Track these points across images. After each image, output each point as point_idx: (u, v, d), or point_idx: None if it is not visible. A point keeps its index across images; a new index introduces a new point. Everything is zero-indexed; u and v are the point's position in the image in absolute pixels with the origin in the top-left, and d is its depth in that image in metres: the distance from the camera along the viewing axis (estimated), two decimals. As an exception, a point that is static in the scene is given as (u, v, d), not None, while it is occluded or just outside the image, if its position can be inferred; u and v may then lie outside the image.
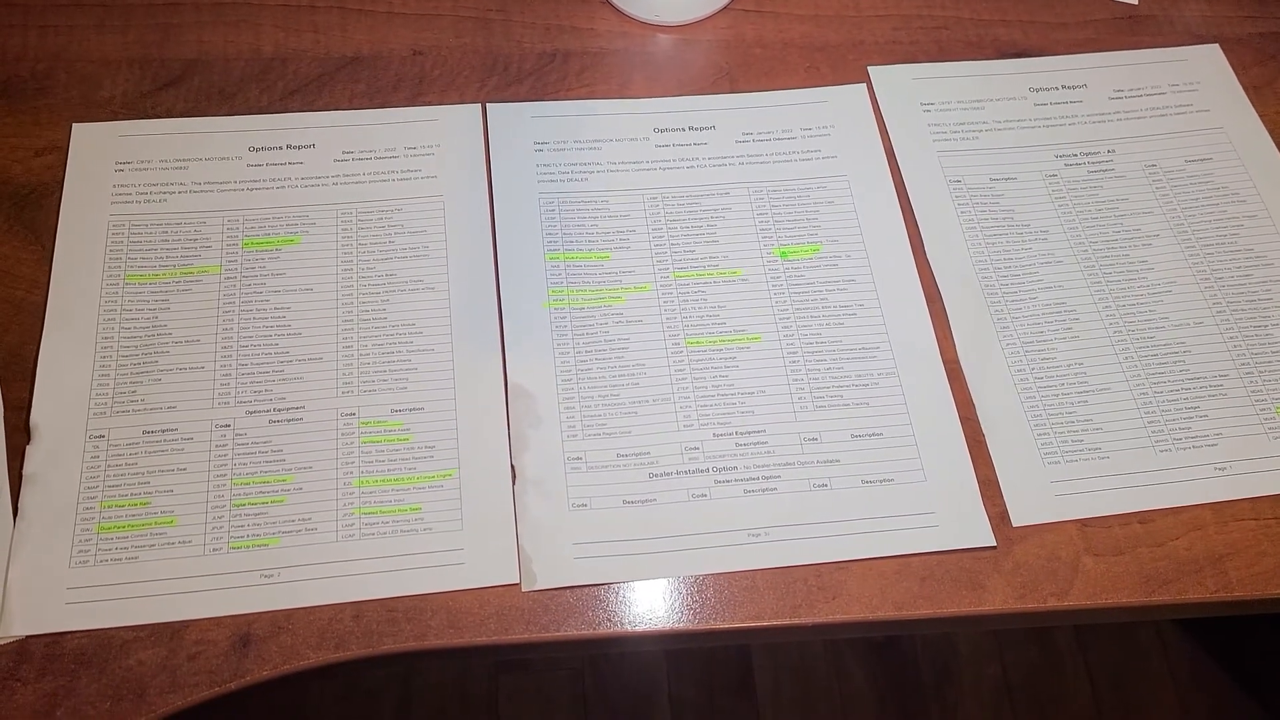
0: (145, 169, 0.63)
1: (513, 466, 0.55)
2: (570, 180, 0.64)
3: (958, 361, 0.59)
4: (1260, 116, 0.69)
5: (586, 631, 0.51)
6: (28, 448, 0.54)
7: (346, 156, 0.64)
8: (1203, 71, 0.70)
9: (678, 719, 1.28)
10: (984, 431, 0.57)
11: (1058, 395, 0.57)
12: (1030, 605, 0.52)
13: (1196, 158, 0.66)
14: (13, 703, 0.48)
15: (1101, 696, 1.32)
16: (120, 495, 0.53)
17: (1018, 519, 0.54)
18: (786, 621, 0.52)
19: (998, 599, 0.52)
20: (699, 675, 1.31)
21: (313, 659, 0.50)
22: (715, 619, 0.52)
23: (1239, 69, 0.71)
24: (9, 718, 0.48)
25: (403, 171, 0.64)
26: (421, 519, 0.54)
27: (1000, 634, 1.36)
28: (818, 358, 0.59)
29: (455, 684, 1.30)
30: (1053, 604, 0.52)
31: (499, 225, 0.62)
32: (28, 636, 0.50)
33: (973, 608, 0.52)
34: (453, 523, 0.53)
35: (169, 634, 0.50)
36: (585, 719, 1.27)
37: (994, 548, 0.54)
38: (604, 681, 1.31)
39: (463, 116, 0.66)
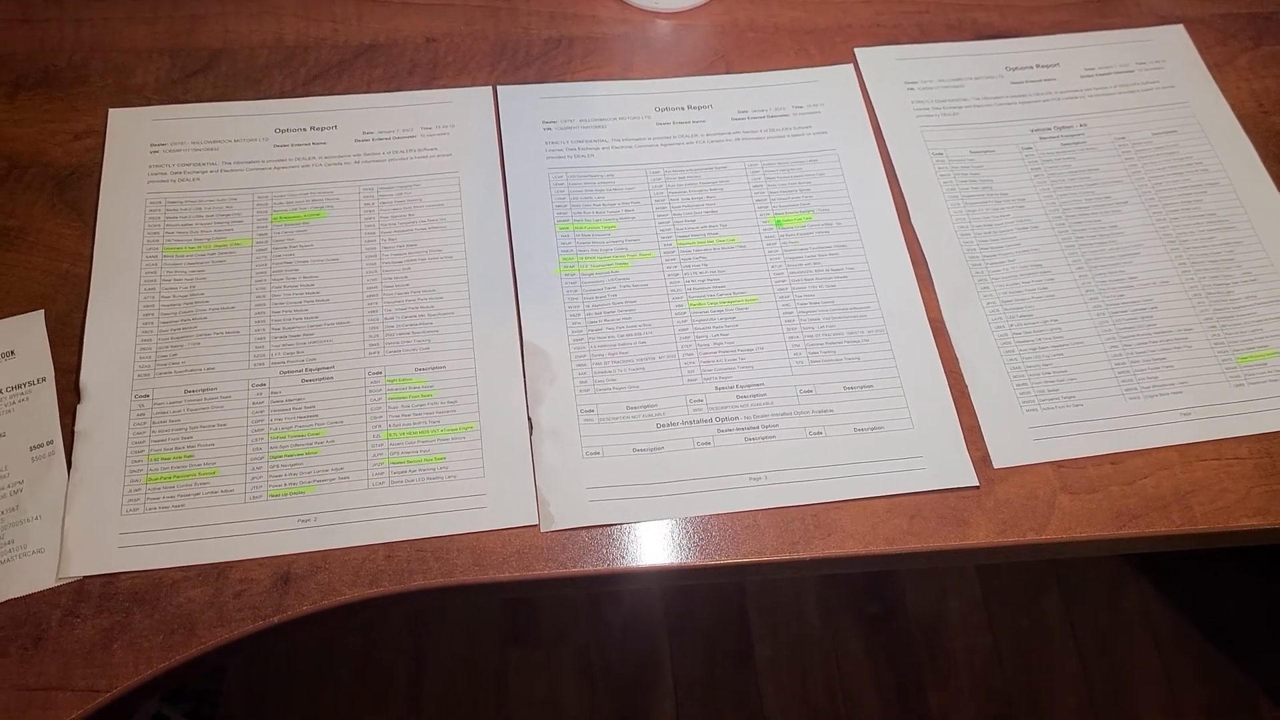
0: (179, 150, 0.67)
1: (530, 419, 0.59)
2: (578, 156, 0.68)
3: (942, 319, 0.63)
4: (1222, 92, 0.73)
5: (601, 567, 0.55)
6: (78, 407, 0.58)
7: (367, 136, 0.68)
8: (1168, 51, 0.75)
9: (680, 688, 1.32)
10: (966, 382, 0.61)
11: (1035, 349, 0.62)
12: (1011, 539, 0.57)
13: (1163, 130, 0.71)
14: (73, 636, 0.52)
15: (1089, 663, 1.36)
16: (165, 449, 0.57)
17: (998, 461, 0.58)
18: (786, 556, 0.56)
19: (981, 534, 0.57)
20: (700, 646, 1.35)
21: (349, 595, 0.54)
22: (720, 555, 0.56)
23: (1202, 48, 0.75)
24: (71, 650, 0.52)
25: (420, 150, 0.68)
26: (446, 467, 0.58)
27: (991, 606, 1.40)
28: (811, 317, 0.63)
29: (465, 659, 1.33)
30: (1031, 538, 0.57)
31: (512, 198, 0.66)
32: (85, 577, 0.54)
33: (958, 542, 0.56)
34: (475, 470, 0.58)
35: (215, 574, 0.54)
36: (591, 690, 1.31)
37: (977, 488, 0.58)
38: (608, 654, 1.35)
39: (475, 98, 0.70)
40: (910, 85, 0.72)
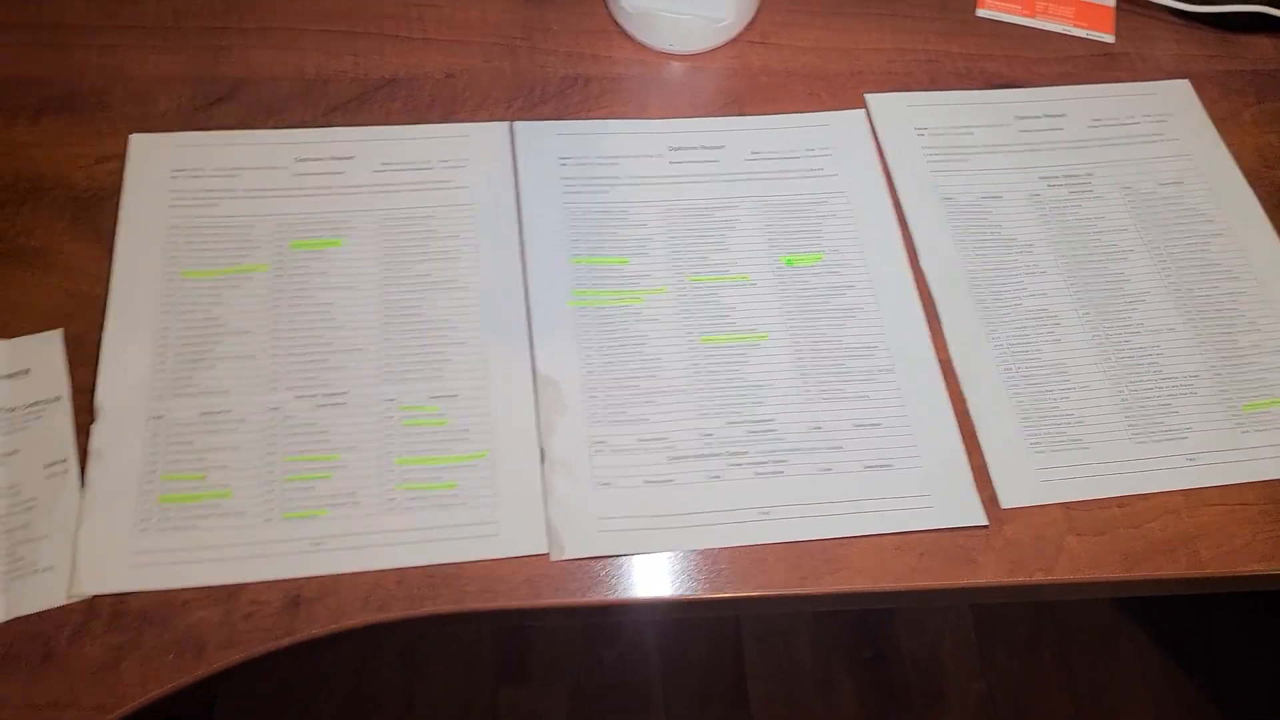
0: (199, 176, 0.68)
1: (541, 448, 0.60)
2: (593, 192, 0.69)
3: (950, 360, 0.64)
4: (1226, 145, 0.75)
5: (611, 597, 0.56)
6: (93, 426, 0.58)
7: (385, 167, 0.69)
8: (1173, 104, 0.76)
9: (673, 730, 1.31)
10: (975, 423, 0.62)
11: (1043, 392, 0.63)
12: (1019, 579, 0.57)
13: (1168, 181, 0.72)
14: (83, 655, 0.52)
15: (1084, 708, 1.36)
16: (179, 469, 0.57)
17: (1006, 501, 0.59)
18: (795, 591, 0.56)
19: (989, 573, 0.57)
20: (693, 686, 1.34)
21: (359, 619, 0.54)
22: (729, 588, 0.56)
23: (1207, 102, 0.77)
24: (80, 668, 0.52)
25: (437, 182, 0.69)
26: (457, 494, 0.58)
27: (985, 650, 1.40)
28: (821, 355, 0.64)
29: (456, 696, 1.32)
30: (1039, 578, 0.57)
31: (527, 231, 0.67)
32: (96, 596, 0.54)
33: (967, 580, 0.57)
34: (486, 498, 0.58)
35: (226, 595, 0.54)
36: (584, 729, 1.30)
37: (985, 527, 0.58)
38: (601, 693, 1.34)
39: (492, 133, 0.71)
40: (920, 131, 0.73)
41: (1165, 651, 1.41)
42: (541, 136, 0.71)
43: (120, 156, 0.68)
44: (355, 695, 1.32)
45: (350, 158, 0.70)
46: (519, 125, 0.72)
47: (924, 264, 0.67)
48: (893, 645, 1.41)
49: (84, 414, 0.59)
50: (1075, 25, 0.80)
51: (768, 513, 0.58)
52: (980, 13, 0.81)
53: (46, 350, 0.60)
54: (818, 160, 0.72)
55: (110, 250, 0.64)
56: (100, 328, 0.61)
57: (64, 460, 0.57)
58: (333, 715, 1.29)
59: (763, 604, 0.56)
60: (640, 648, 1.38)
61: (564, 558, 0.56)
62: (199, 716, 1.28)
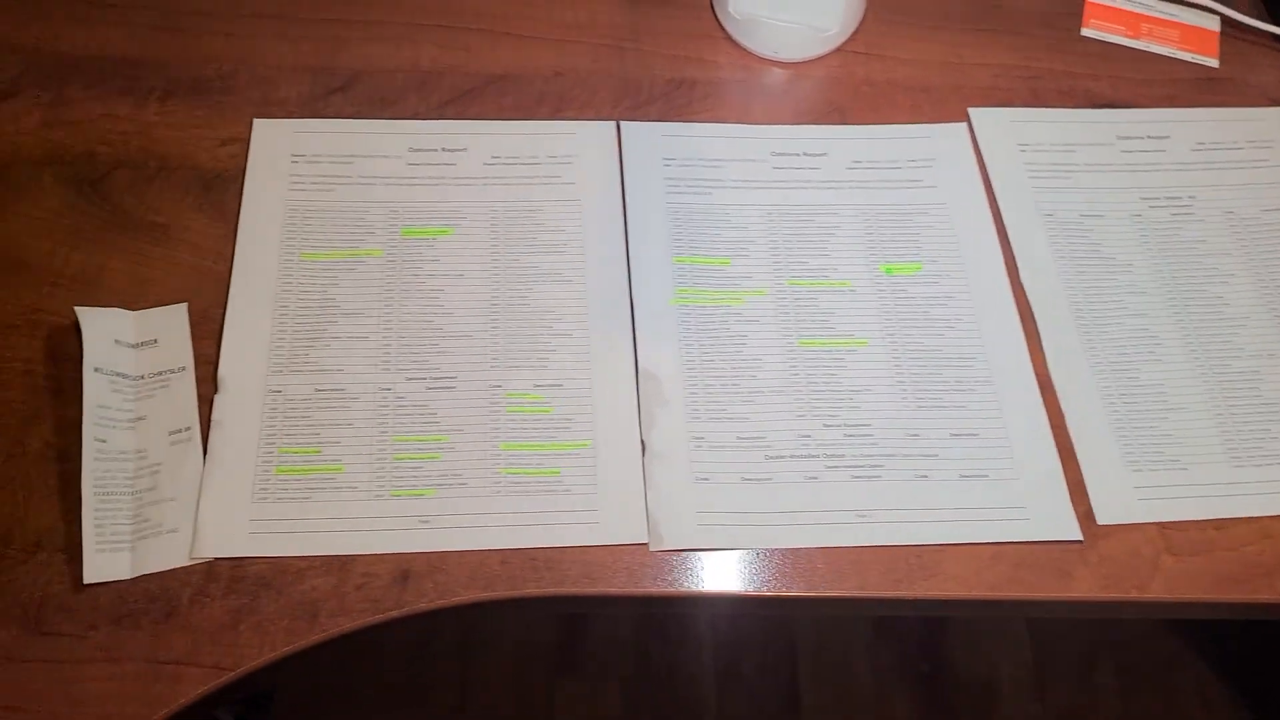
0: (317, 162, 0.70)
1: (642, 441, 0.61)
2: (696, 193, 0.71)
3: (1048, 375, 0.64)
4: (1331, 173, 0.74)
5: (709, 590, 0.57)
6: (215, 397, 0.60)
7: (495, 161, 0.71)
8: (1278, 131, 0.76)
9: (727, 733, 1.31)
10: (1072, 438, 0.62)
11: (1141, 411, 0.63)
12: (1113, 595, 0.57)
13: (1272, 207, 0.72)
14: (204, 614, 0.54)
15: (1141, 740, 1.34)
16: (295, 443, 0.60)
17: (1102, 518, 0.59)
18: (890, 594, 0.57)
19: (1084, 587, 0.57)
20: (747, 692, 1.35)
21: (465, 596, 0.56)
22: (825, 587, 0.57)
23: (1313, 130, 0.77)
24: (201, 627, 0.54)
25: (545, 177, 0.71)
26: (560, 481, 0.59)
27: (1042, 674, 1.39)
28: (919, 363, 0.65)
29: (510, 686, 1.34)
30: (1134, 595, 0.57)
31: (631, 229, 0.69)
32: (216, 559, 0.56)
33: (1060, 593, 0.57)
34: (588, 486, 0.59)
35: (338, 566, 0.56)
36: (638, 726, 1.31)
37: (1080, 542, 0.59)
38: (655, 692, 1.35)
39: (599, 132, 0.73)
40: (1023, 147, 0.73)
41: (1226, 682, 1.39)
42: (647, 137, 0.73)
43: (243, 140, 0.70)
44: (411, 682, 1.34)
45: (462, 150, 0.72)
46: (625, 125, 0.73)
47: (1023, 279, 0.68)
48: (949, 662, 1.41)
49: (206, 385, 0.61)
50: (1179, 48, 0.80)
51: (864, 515, 0.59)
52: (1085, 32, 0.81)
53: (173, 322, 0.62)
54: (919, 171, 0.73)
55: (233, 229, 0.67)
56: (223, 303, 0.64)
57: (188, 428, 0.59)
58: (389, 702, 1.32)
59: (858, 605, 0.57)
60: (694, 648, 1.39)
61: (663, 548, 0.58)
62: (261, 697, 1.31)
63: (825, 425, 0.62)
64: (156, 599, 0.54)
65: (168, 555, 0.55)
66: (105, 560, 0.54)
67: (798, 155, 0.73)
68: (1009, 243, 0.70)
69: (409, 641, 1.35)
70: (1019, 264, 0.69)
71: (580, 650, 1.38)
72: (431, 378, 0.62)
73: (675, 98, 0.75)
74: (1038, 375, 0.64)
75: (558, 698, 1.35)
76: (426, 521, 0.58)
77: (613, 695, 1.36)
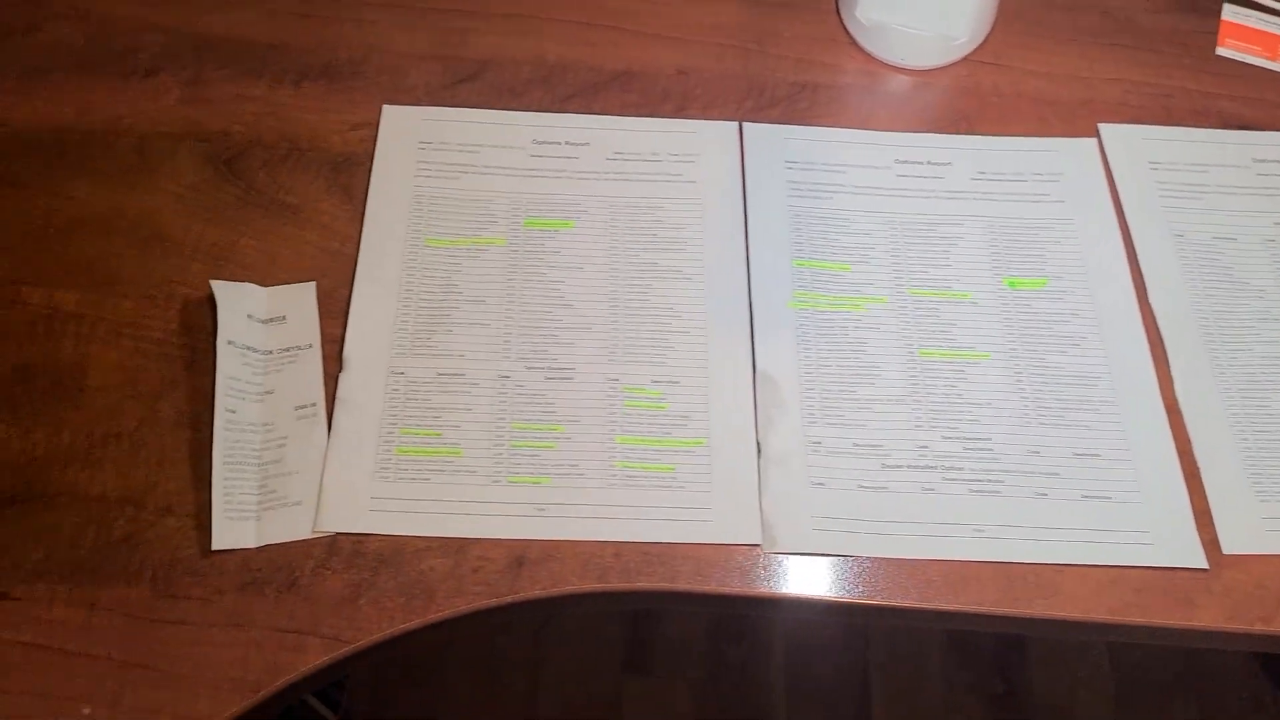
0: (443, 149, 0.71)
1: (758, 442, 0.61)
2: (817, 198, 0.70)
3: (1175, 399, 0.63)
4: None
5: (823, 595, 0.56)
6: (340, 375, 0.62)
7: (617, 156, 0.72)
8: None
9: (798, 742, 1.31)
10: (1199, 464, 0.61)
11: (1272, 440, 0.61)
12: (1238, 627, 0.56)
13: None
14: (325, 586, 0.55)
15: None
16: (416, 425, 0.61)
17: (1228, 547, 0.58)
18: (1007, 611, 0.56)
19: (1207, 617, 0.56)
20: (817, 704, 1.34)
21: (578, 586, 0.56)
22: (940, 600, 0.56)
23: None
24: (322, 599, 0.55)
25: (666, 175, 0.71)
26: (675, 478, 0.60)
27: (1121, 704, 1.36)
28: (1041, 380, 0.64)
29: (581, 680, 1.35)
30: (1260, 628, 0.56)
31: (751, 230, 0.69)
32: (337, 534, 0.57)
33: (1183, 622, 0.56)
34: (703, 485, 0.59)
35: (455, 548, 0.57)
36: (708, 729, 1.31)
37: (1205, 570, 0.57)
38: (724, 697, 1.35)
39: (721, 132, 0.73)
40: (1154, 165, 0.72)
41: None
42: (769, 139, 0.73)
43: (373, 125, 0.72)
44: (484, 671, 1.36)
45: (585, 144, 0.72)
46: (748, 126, 0.73)
47: (1152, 299, 0.66)
48: (1026, 684, 1.38)
49: (332, 363, 0.62)
50: (1320, 71, 0.78)
51: (981, 530, 0.58)
52: (1220, 51, 0.79)
53: (301, 300, 0.64)
54: (1046, 185, 0.71)
55: (360, 212, 0.68)
56: (348, 284, 0.65)
57: (313, 404, 0.60)
58: (462, 690, 1.33)
59: (975, 620, 0.56)
60: (765, 655, 1.38)
61: (776, 550, 0.57)
62: (334, 684, 1.33)
63: (944, 437, 0.61)
64: (280, 569, 0.56)
65: (292, 527, 0.57)
66: (233, 528, 0.56)
67: (921, 164, 0.72)
68: (1137, 262, 0.68)
69: (487, 624, 1.37)
70: (1147, 284, 0.67)
71: (650, 649, 1.38)
72: (550, 367, 0.63)
73: (798, 101, 0.75)
74: (1164, 398, 0.63)
75: (626, 693, 1.35)
76: (542, 510, 0.58)
77: (681, 696, 1.36)
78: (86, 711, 0.51)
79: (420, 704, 1.33)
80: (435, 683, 1.35)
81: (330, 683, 1.19)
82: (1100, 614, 0.56)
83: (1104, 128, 0.74)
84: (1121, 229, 0.70)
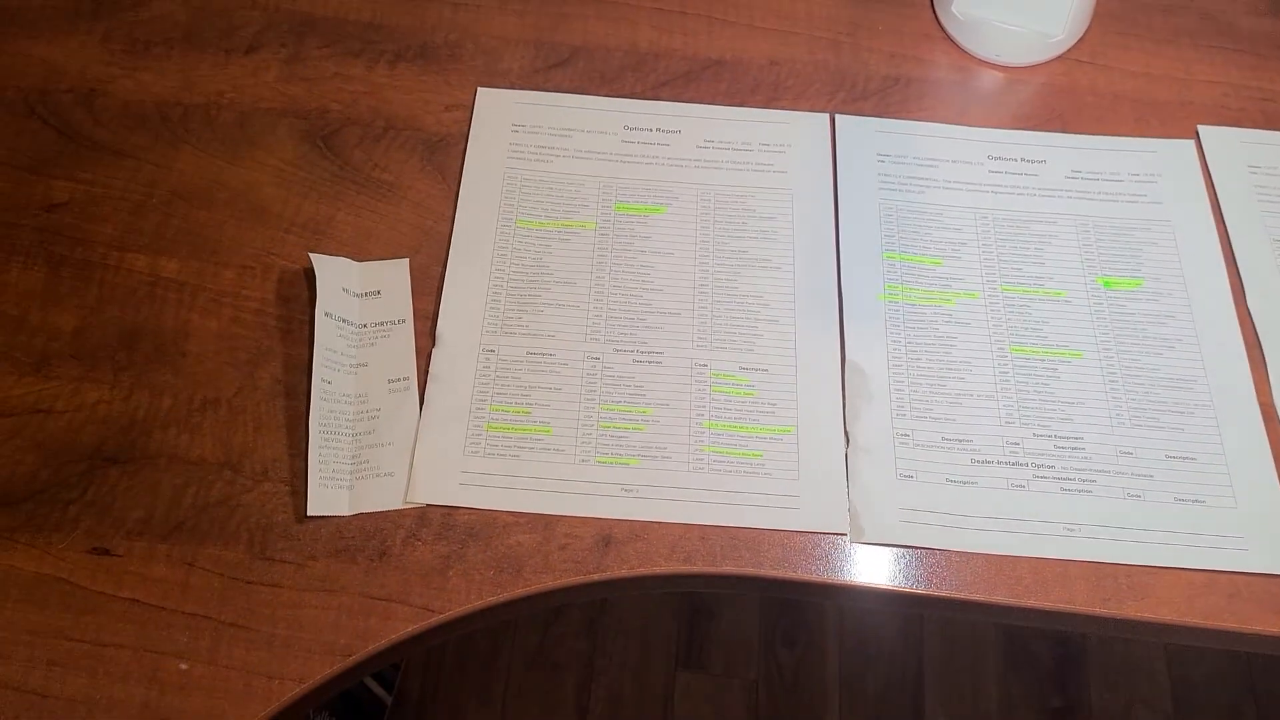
0: (536, 133, 0.72)
1: (846, 432, 0.61)
2: (909, 191, 0.70)
3: (1273, 404, 0.62)
4: None
5: (909, 588, 0.56)
6: (433, 351, 0.62)
7: (708, 144, 0.72)
8: None
9: (852, 744, 1.30)
10: (1298, 473, 0.59)
11: (1374, 450, 0.60)
12: (1336, 638, 0.55)
13: None
14: (415, 556, 0.56)
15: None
16: (506, 402, 0.61)
17: (1327, 556, 0.57)
18: (1098, 611, 0.55)
19: (1305, 626, 0.55)
20: (870, 710, 1.33)
21: (664, 567, 0.56)
22: (1029, 598, 0.56)
23: None
24: (411, 569, 0.56)
25: (756, 164, 0.71)
26: (763, 464, 0.60)
27: (1183, 722, 1.34)
28: (1135, 381, 0.63)
29: (635, 673, 1.35)
30: (1359, 641, 0.55)
31: (842, 222, 0.68)
32: (428, 506, 0.57)
33: (1278, 629, 0.55)
34: (790, 472, 0.59)
35: (543, 524, 0.57)
36: (762, 727, 1.31)
37: (1303, 579, 0.56)
38: (776, 697, 1.34)
39: (812, 123, 0.73)
40: (1254, 169, 0.71)
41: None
42: (861, 131, 0.72)
43: (467, 106, 0.73)
44: (539, 659, 1.36)
45: (676, 131, 0.72)
46: (840, 118, 0.73)
47: (1251, 304, 0.65)
48: (1084, 699, 1.36)
49: (424, 339, 0.63)
50: None
51: (1073, 529, 0.58)
52: (1325, 55, 0.77)
53: (395, 276, 0.65)
54: (1142, 186, 0.70)
55: (454, 191, 0.69)
56: (441, 261, 0.66)
57: (406, 378, 0.61)
58: (516, 677, 1.34)
59: (1064, 620, 0.56)
60: (820, 660, 1.38)
61: (863, 540, 0.57)
62: (392, 665, 1.35)
63: (1035, 435, 0.61)
64: (372, 537, 0.56)
65: (384, 497, 0.57)
66: (327, 495, 0.57)
67: (1015, 160, 0.72)
68: (1236, 266, 0.67)
69: (544, 611, 1.37)
70: (1246, 289, 0.66)
71: (706, 647, 1.38)
72: (639, 351, 0.63)
73: (891, 94, 0.75)
74: (1261, 404, 0.62)
75: (679, 688, 1.35)
76: (629, 490, 0.58)
77: (734, 694, 1.35)
78: (184, 667, 0.53)
79: (472, 690, 1.34)
80: (491, 665, 1.36)
81: (403, 658, 1.21)
82: (1194, 619, 0.55)
83: (1203, 130, 0.73)
84: (1220, 232, 0.68)
